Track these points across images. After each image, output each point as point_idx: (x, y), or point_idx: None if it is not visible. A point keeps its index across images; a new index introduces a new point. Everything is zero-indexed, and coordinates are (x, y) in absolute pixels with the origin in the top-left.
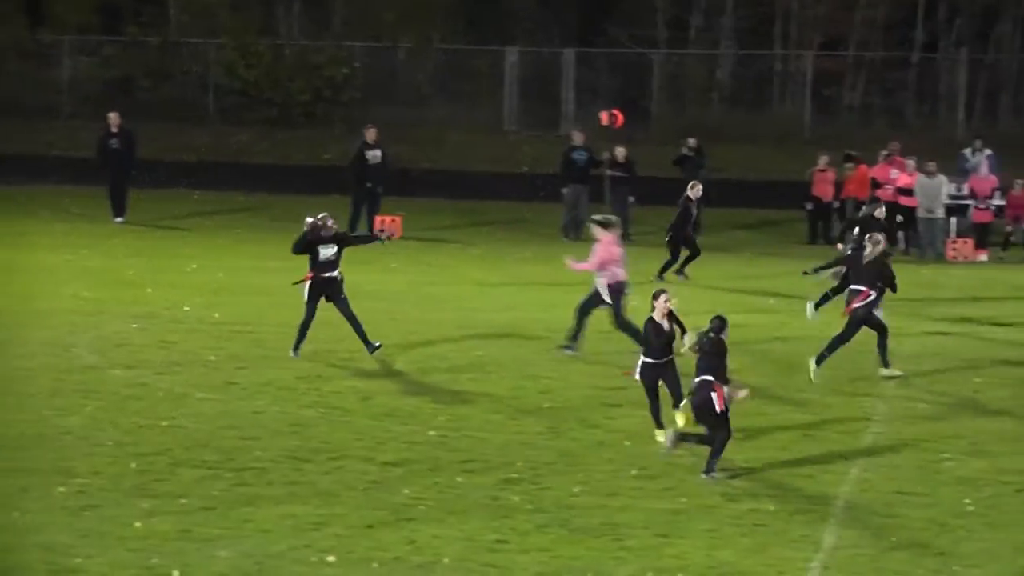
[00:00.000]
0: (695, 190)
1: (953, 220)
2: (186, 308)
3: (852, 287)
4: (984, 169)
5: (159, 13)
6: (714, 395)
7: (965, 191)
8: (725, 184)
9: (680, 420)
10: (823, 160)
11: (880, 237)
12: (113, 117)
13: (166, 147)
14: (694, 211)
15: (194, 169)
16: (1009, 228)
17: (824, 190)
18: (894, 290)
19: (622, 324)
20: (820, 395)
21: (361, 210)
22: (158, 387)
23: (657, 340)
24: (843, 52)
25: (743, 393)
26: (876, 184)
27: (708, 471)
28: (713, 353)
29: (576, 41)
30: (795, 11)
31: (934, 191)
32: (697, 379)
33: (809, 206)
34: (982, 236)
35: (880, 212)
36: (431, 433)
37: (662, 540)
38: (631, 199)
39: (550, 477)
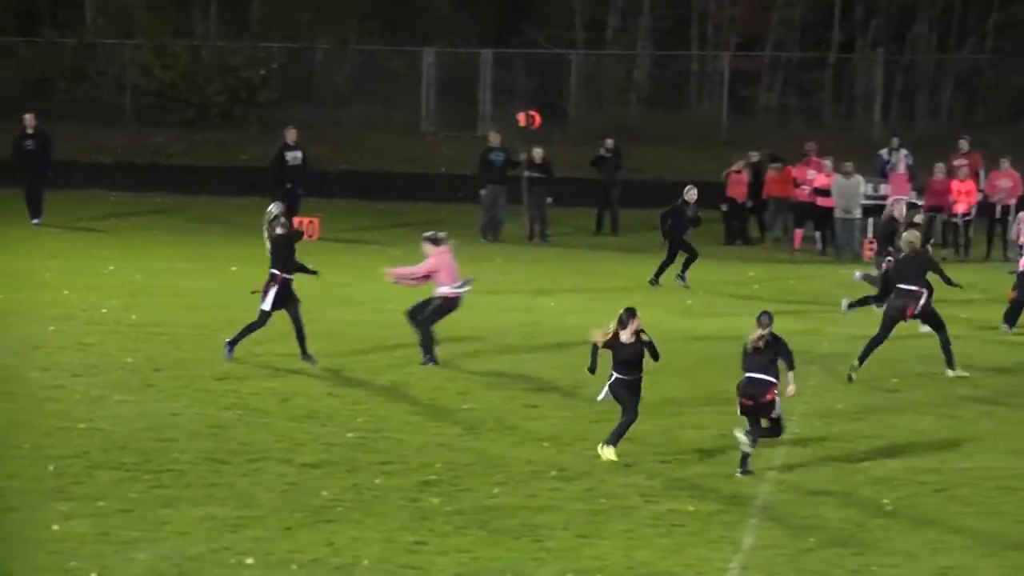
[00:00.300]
0: (690, 193)
1: (870, 220)
2: (103, 310)
3: (900, 287)
4: (901, 169)
5: (75, 14)
6: (776, 398)
7: (882, 191)
8: (643, 184)
9: (611, 454)
10: (738, 162)
11: (916, 233)
12: (29, 118)
13: (82, 148)
14: (689, 213)
15: (111, 170)
16: (931, 216)
17: (739, 191)
18: (947, 281)
19: (422, 320)
20: (734, 395)
21: None
22: (75, 389)
23: (620, 355)
24: (760, 53)
25: (791, 390)
26: (796, 184)
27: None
28: (766, 350)
29: (493, 42)
30: (712, 12)
31: (851, 191)
32: (752, 375)
33: (724, 207)
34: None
35: (920, 218)
36: (350, 435)
37: (581, 541)
38: (549, 200)
39: (469, 479)
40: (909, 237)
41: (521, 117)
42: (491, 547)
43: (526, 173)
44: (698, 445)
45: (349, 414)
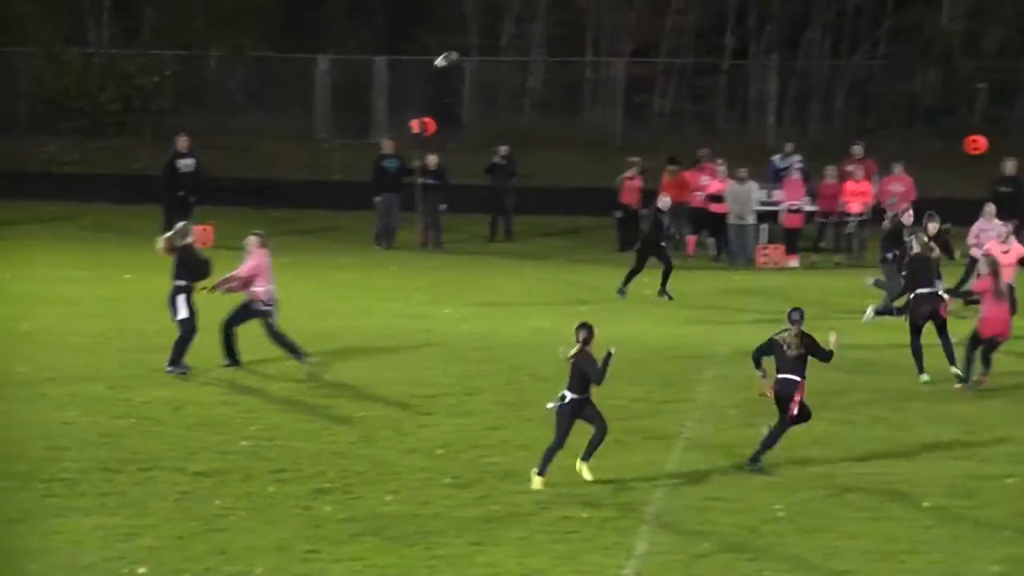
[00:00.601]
0: (663, 201)
1: (764, 226)
2: None
3: (919, 292)
4: (795, 175)
5: None
6: (796, 398)
7: (776, 197)
8: (537, 191)
9: (587, 474)
10: (632, 168)
11: (925, 238)
12: None
13: None
14: (665, 222)
15: (2, 179)
16: (823, 221)
17: (632, 197)
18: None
19: (276, 336)
20: (628, 401)
21: (174, 219)
22: None
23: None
24: (654, 59)
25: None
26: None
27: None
28: (801, 348)
29: (387, 49)
30: (606, 18)
31: (745, 197)
32: (785, 376)
33: (618, 214)
34: (793, 241)
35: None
36: (243, 443)
37: (475, 548)
38: (443, 207)
39: (362, 486)
40: (920, 241)
41: (415, 124)
42: (384, 555)
43: (420, 180)
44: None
45: (242, 422)
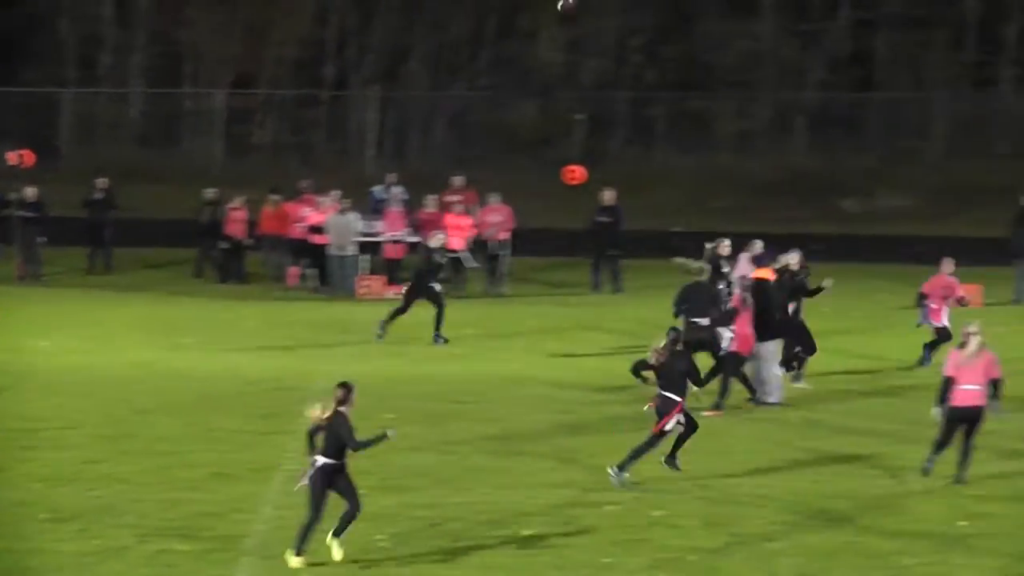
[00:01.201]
0: (437, 238)
1: (365, 257)
2: None
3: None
4: (395, 205)
5: None
6: (674, 415)
7: (377, 228)
8: (138, 223)
9: (336, 553)
10: (237, 199)
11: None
12: None
13: None
14: (440, 260)
15: None
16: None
17: (237, 228)
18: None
19: None
20: (228, 432)
21: None
22: None
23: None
24: (254, 90)
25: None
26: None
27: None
28: (676, 364)
29: None
30: (205, 49)
31: (345, 228)
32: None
33: (226, 245)
34: (394, 272)
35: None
36: None
37: None
38: (41, 239)
39: None
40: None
41: (12, 156)
42: None
43: (18, 212)
44: (192, 484)
45: None
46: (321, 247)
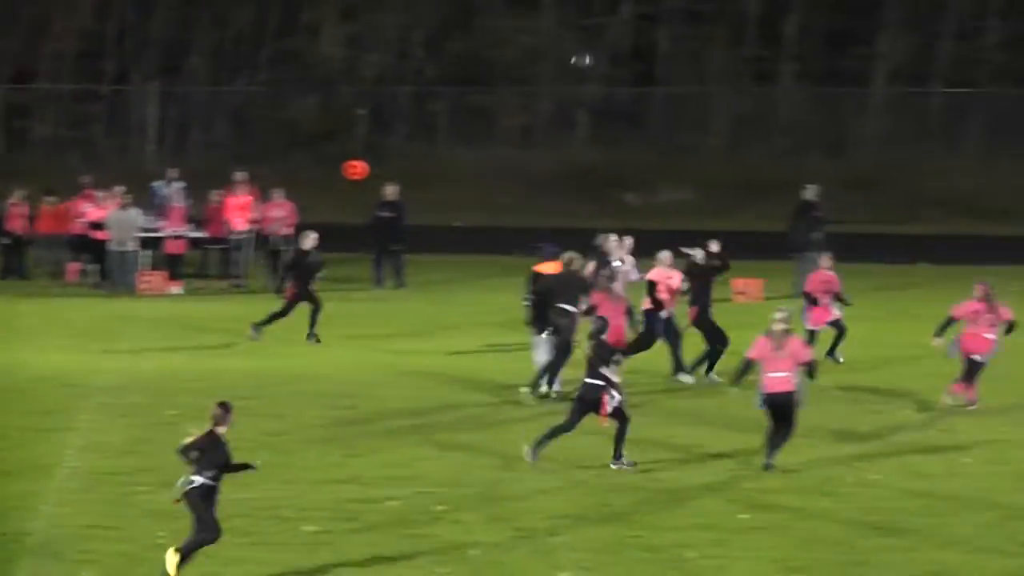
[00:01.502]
0: (309, 240)
1: (147, 252)
2: None
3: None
4: (177, 201)
5: None
6: (606, 399)
7: (159, 224)
8: None
9: (171, 566)
10: (18, 194)
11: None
12: None
13: None
14: (311, 259)
15: None
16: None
17: (19, 224)
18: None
19: None
20: (8, 430)
21: None
22: None
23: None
24: (33, 85)
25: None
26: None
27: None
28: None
29: None
30: None
31: (126, 224)
32: (589, 380)
33: (7, 240)
34: (175, 267)
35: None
36: None
37: None
38: None
39: None
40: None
41: None
42: None
43: None
44: None
45: None
46: (102, 243)
